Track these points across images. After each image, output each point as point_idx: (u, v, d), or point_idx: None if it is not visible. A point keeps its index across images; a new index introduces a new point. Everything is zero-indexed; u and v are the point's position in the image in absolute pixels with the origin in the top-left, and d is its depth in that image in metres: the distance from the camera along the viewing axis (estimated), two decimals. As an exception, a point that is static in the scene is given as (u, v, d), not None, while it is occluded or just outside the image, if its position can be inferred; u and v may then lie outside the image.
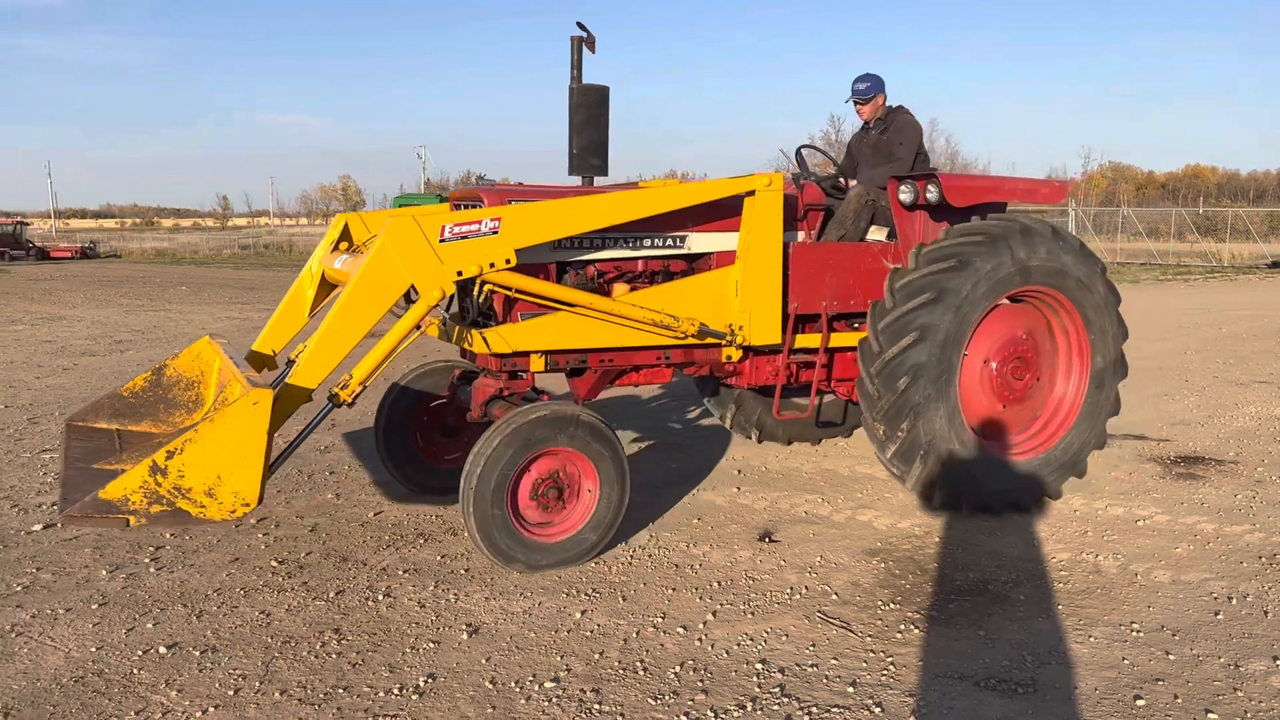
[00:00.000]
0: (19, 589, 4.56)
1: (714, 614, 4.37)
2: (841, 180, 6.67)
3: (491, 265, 4.68)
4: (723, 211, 5.46)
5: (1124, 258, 37.94)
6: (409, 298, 4.61)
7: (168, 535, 5.27)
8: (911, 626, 4.26)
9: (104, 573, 4.76)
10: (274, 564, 4.87)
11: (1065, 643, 4.10)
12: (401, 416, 5.90)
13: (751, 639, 4.11)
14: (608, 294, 5.36)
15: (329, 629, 4.15)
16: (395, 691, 3.62)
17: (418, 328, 4.61)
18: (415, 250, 4.53)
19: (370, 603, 4.44)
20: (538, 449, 4.69)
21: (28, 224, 57.67)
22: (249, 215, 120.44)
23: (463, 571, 4.84)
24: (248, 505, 3.94)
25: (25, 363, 11.56)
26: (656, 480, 6.46)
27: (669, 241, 5.49)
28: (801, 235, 6.31)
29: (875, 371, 5.43)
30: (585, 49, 5.63)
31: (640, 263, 5.55)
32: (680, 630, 4.19)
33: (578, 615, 4.33)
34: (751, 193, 5.38)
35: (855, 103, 6.55)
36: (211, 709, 3.49)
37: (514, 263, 4.72)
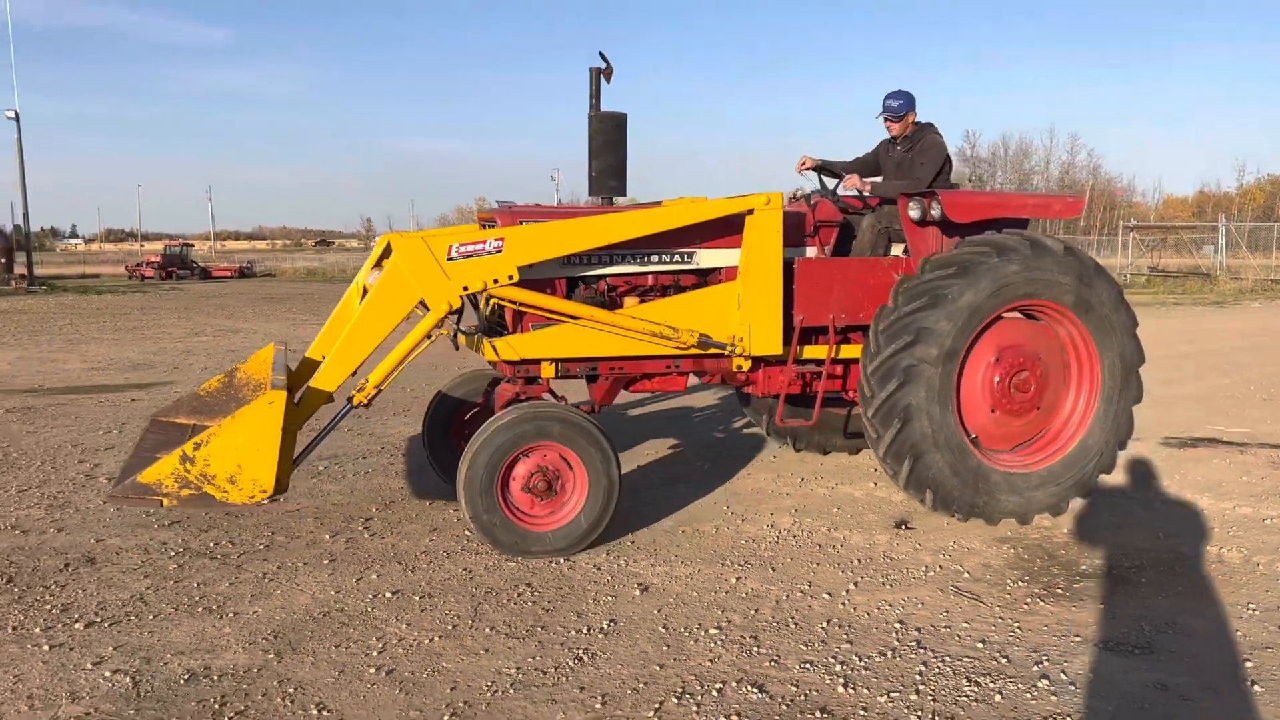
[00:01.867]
0: (261, 547, 5.43)
1: (855, 584, 4.90)
2: (856, 191, 6.65)
3: (495, 281, 5.22)
4: (729, 229, 5.74)
5: None
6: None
7: (373, 509, 6.10)
8: (1038, 600, 4.70)
9: (327, 537, 5.60)
10: (467, 534, 5.62)
11: (1182, 617, 4.48)
12: (444, 419, 6.51)
13: (890, 605, 4.63)
14: (620, 307, 5.77)
15: (522, 583, 4.87)
16: (584, 631, 4.29)
17: (428, 337, 5.29)
18: (424, 268, 5.17)
19: (553, 565, 5.14)
20: (527, 442, 5.14)
21: (191, 245, 61.94)
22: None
23: (630, 543, 5.50)
24: (265, 491, 4.64)
25: (216, 369, 12.86)
26: (801, 473, 7.02)
27: (677, 258, 5.81)
28: (813, 251, 6.66)
29: (871, 371, 5.60)
30: (603, 79, 6.05)
31: (651, 278, 5.90)
32: (825, 595, 4.74)
33: (733, 580, 4.93)
34: (751, 211, 5.66)
35: (886, 119, 6.62)
36: (436, 638, 4.22)
37: (516, 278, 5.22)
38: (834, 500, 6.41)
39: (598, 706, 3.62)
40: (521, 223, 5.44)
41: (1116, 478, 6.93)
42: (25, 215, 42.11)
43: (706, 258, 5.86)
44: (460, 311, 5.48)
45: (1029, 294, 5.69)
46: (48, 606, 4.56)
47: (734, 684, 3.79)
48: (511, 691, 3.74)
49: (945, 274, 5.56)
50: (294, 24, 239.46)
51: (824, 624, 4.39)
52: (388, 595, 4.72)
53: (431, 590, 4.79)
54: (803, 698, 3.69)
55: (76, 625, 4.35)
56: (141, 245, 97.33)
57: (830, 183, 6.69)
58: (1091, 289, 5.79)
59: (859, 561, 5.24)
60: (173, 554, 5.29)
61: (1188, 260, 43.46)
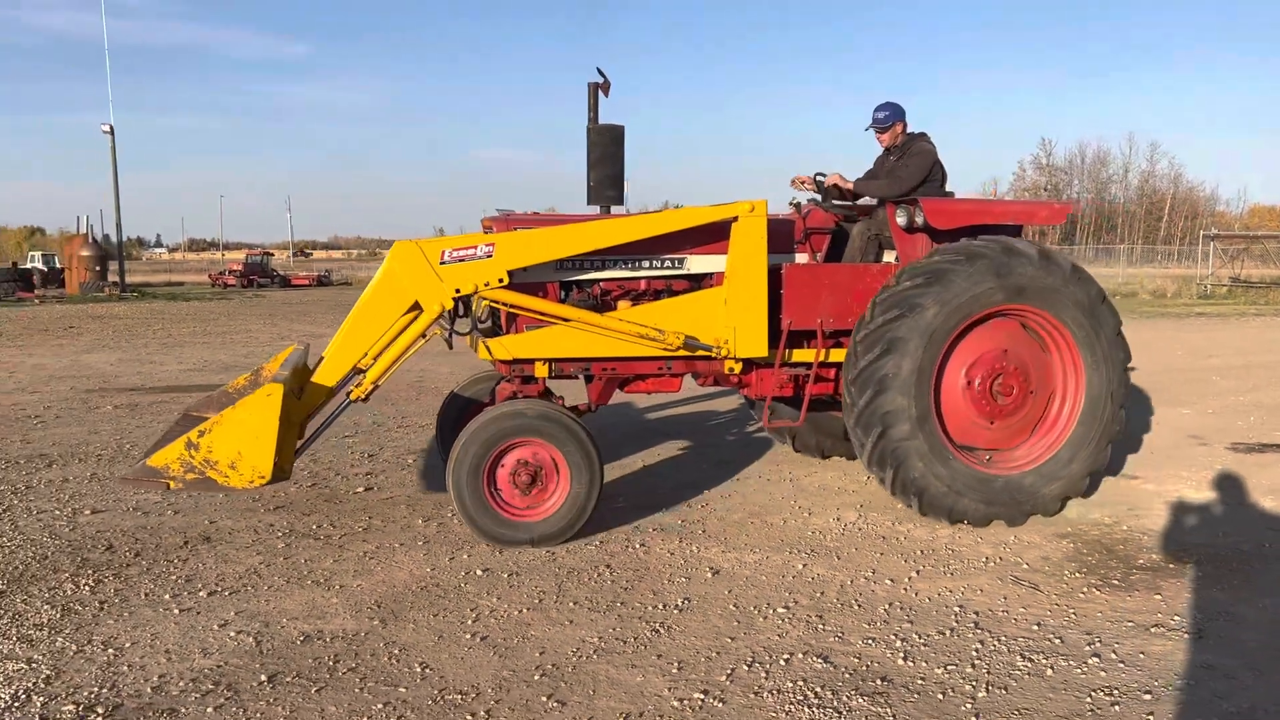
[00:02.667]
0: (360, 530, 5.87)
1: (917, 572, 5.15)
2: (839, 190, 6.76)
3: (486, 284, 5.52)
4: (719, 236, 5.91)
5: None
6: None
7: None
8: (1093, 590, 4.90)
9: (420, 521, 6.02)
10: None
11: (1236, 608, 4.65)
12: (455, 417, 6.81)
13: (950, 591, 4.88)
14: (613, 310, 5.99)
15: (601, 565, 5.22)
16: (660, 607, 4.62)
17: (423, 336, 5.63)
18: (417, 271, 5.50)
19: (630, 549, 5.48)
20: (511, 438, 5.42)
21: (272, 255, 63.87)
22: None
23: (701, 532, 5.82)
24: (263, 477, 4.97)
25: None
26: (866, 472, 7.26)
27: (668, 263, 6.02)
28: (804, 258, 6.83)
29: (851, 380, 5.77)
30: (601, 94, 6.21)
31: (643, 282, 6.16)
32: (888, 581, 5.00)
33: (800, 567, 5.21)
34: (735, 218, 5.82)
35: (875, 130, 6.73)
36: (525, 610, 4.59)
37: (506, 281, 5.52)
38: (898, 497, 6.65)
39: (674, 671, 3.94)
40: (516, 229, 5.75)
41: (1180, 480, 7.06)
42: (118, 225, 44.01)
43: (697, 263, 6.06)
44: (455, 313, 5.79)
45: (1004, 299, 5.79)
46: (174, 577, 5.04)
47: (800, 655, 4.09)
48: (595, 657, 4.08)
49: (917, 283, 5.69)
50: (370, 37, 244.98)
51: (886, 606, 4.66)
52: (478, 573, 5.11)
53: (518, 569, 5.16)
54: (864, 668, 3.97)
55: (200, 593, 4.81)
56: (223, 254, 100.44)
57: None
58: (1076, 294, 5.87)
59: (921, 552, 5.48)
60: (280, 534, 5.75)
61: (1272, 270, 42.33)
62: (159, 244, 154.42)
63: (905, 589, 4.90)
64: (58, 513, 6.19)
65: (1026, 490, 5.91)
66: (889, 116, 6.70)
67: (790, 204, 7.04)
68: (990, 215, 6.19)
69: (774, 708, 3.64)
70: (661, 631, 4.34)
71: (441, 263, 5.53)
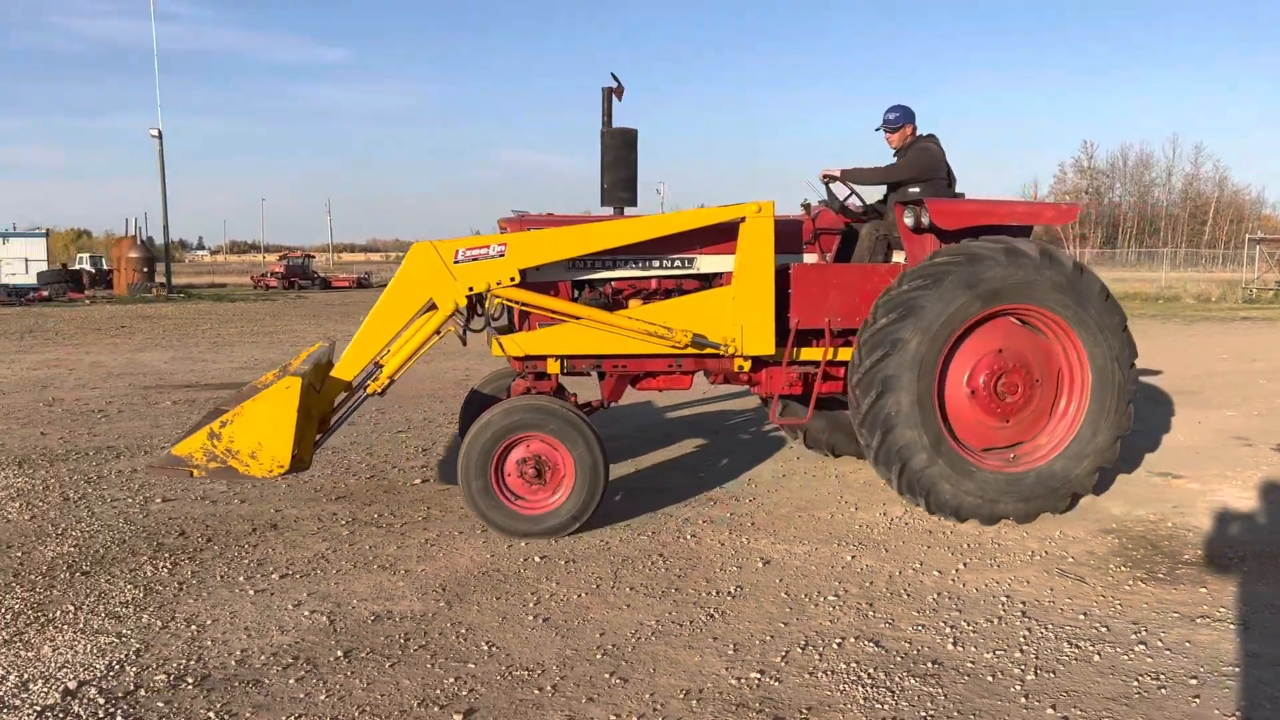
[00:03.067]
0: (420, 519, 6.07)
1: (964, 564, 5.27)
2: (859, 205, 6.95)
3: (499, 283, 5.72)
4: (729, 236, 6.03)
5: None
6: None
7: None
8: (1139, 583, 4.99)
9: (476, 512, 6.21)
10: (605, 512, 6.16)
11: (1281, 601, 4.73)
12: (474, 413, 6.84)
13: (997, 582, 4.99)
14: (624, 308, 6.15)
15: (654, 554, 5.38)
16: (714, 594, 4.78)
17: (437, 333, 5.82)
18: (432, 270, 5.71)
19: (681, 540, 5.64)
20: (517, 433, 5.58)
21: (313, 257, 64.73)
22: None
23: (750, 524, 5.97)
24: (282, 467, 5.20)
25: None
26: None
27: (678, 263, 6.18)
28: (813, 258, 6.92)
29: (855, 382, 5.85)
30: (615, 98, 6.31)
31: (654, 282, 6.31)
32: (936, 573, 5.13)
33: (848, 558, 5.35)
34: (743, 219, 5.93)
35: (885, 131, 6.82)
36: (584, 594, 4.77)
37: (518, 280, 5.71)
38: (943, 493, 6.75)
39: (730, 652, 4.10)
40: (529, 230, 5.95)
41: (1225, 480, 7.10)
42: (165, 227, 44.84)
43: (707, 263, 6.20)
44: (471, 310, 5.94)
45: (983, 307, 5.83)
46: (246, 561, 5.27)
47: (852, 639, 4.23)
48: (653, 639, 4.25)
49: (918, 285, 5.76)
50: (409, 43, 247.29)
51: (934, 596, 4.78)
52: (536, 559, 5.29)
53: (574, 556, 5.34)
54: (915, 652, 4.11)
55: (273, 576, 5.03)
56: (264, 256, 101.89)
57: (841, 193, 6.93)
58: (1079, 293, 5.92)
59: (968, 546, 5.59)
60: (343, 522, 5.97)
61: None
62: (201, 246, 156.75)
63: (953, 580, 5.02)
64: (130, 501, 6.46)
65: (1059, 476, 5.98)
66: (899, 118, 6.78)
67: (801, 205, 7.18)
68: (996, 216, 6.22)
69: (829, 687, 3.78)
70: (716, 616, 4.50)
71: (455, 262, 5.72)
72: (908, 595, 4.79)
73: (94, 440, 8.51)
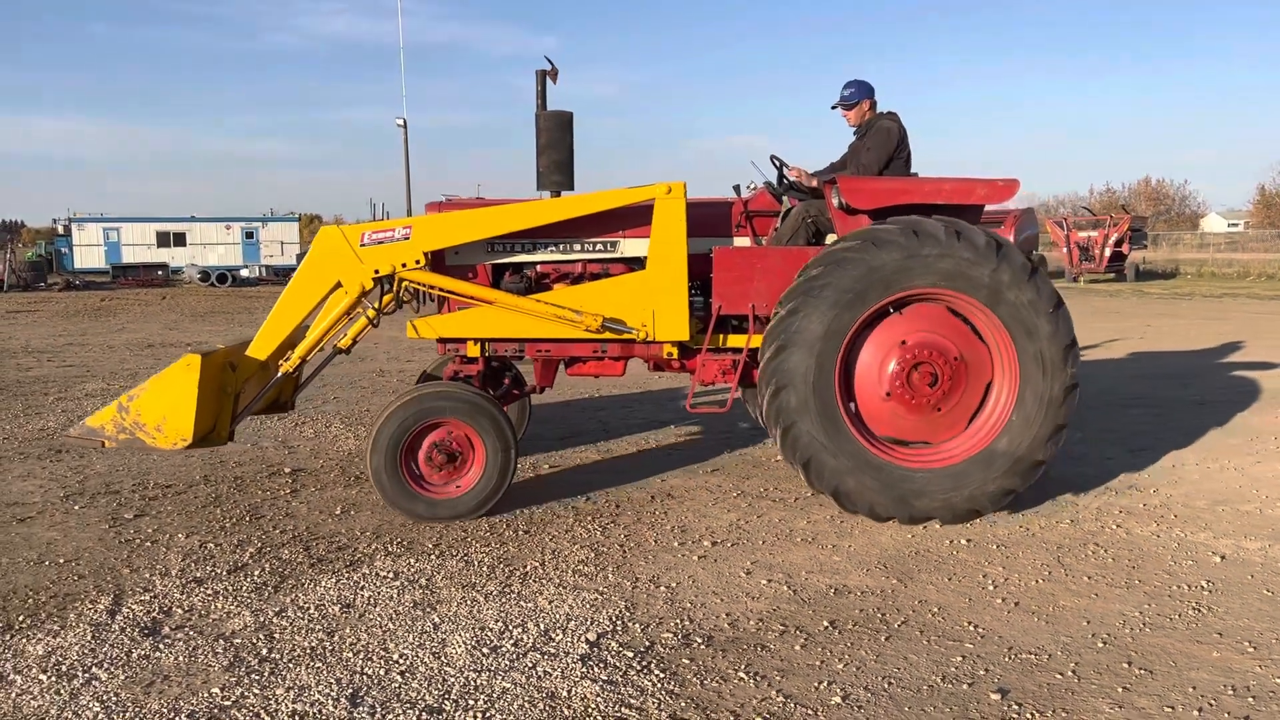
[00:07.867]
0: (809, 494, 6.06)
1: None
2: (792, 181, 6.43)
3: (404, 265, 5.63)
4: (647, 218, 5.77)
5: None
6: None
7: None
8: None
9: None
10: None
11: None
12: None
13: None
14: (550, 292, 5.96)
15: (1088, 543, 5.15)
16: (1183, 588, 4.51)
17: (346, 314, 5.76)
18: (338, 253, 5.67)
19: (1107, 529, 5.38)
20: (428, 419, 5.46)
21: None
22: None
23: (1172, 516, 5.62)
24: (185, 440, 5.20)
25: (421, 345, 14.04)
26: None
27: (599, 246, 6.00)
28: (745, 241, 6.42)
29: (760, 374, 5.49)
30: (550, 80, 6.10)
31: (580, 265, 6.12)
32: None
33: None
34: (654, 200, 5.67)
35: (842, 108, 6.45)
36: (1039, 580, 4.61)
37: (424, 263, 5.65)
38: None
39: (1251, 650, 3.83)
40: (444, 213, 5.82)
41: None
42: (408, 210, 47.42)
43: (630, 247, 6.02)
44: (382, 292, 5.84)
45: (919, 285, 5.35)
46: (667, 527, 5.41)
47: (1385, 646, 3.88)
48: (1148, 630, 4.04)
49: (815, 274, 5.36)
50: (613, 32, 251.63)
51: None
52: (963, 542, 5.17)
53: (1005, 542, 5.18)
54: None
55: (704, 543, 5.14)
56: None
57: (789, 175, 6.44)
58: (998, 275, 5.30)
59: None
60: (735, 496, 6.05)
61: None
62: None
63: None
64: (529, 473, 6.76)
65: (958, 484, 5.41)
66: (854, 94, 6.43)
67: (733, 187, 6.74)
68: (919, 194, 5.68)
69: (1399, 696, 3.47)
70: (1204, 611, 4.24)
71: (361, 245, 5.72)
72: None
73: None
